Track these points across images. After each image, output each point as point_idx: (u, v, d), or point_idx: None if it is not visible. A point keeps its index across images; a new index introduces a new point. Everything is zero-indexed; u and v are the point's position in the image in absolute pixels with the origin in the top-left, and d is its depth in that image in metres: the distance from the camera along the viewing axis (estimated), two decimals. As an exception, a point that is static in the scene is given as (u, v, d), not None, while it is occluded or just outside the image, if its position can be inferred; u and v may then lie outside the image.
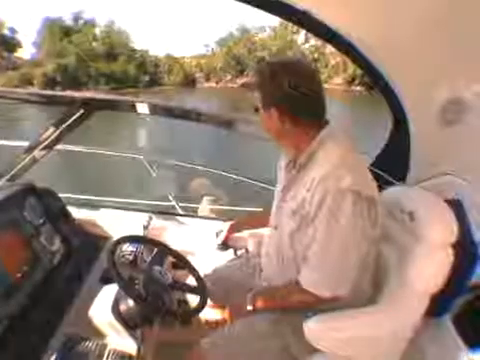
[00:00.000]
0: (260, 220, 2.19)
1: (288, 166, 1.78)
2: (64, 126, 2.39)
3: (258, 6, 1.76)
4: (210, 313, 2.13)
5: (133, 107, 2.41)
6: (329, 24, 1.78)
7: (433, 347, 1.94)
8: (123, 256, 2.11)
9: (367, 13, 1.69)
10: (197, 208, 3.97)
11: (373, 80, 2.09)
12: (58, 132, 2.40)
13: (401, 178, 2.29)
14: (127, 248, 2.14)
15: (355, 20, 1.76)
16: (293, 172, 1.69)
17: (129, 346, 1.71)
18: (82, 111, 2.37)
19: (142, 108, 2.44)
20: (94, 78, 54.77)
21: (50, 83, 50.86)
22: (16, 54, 58.23)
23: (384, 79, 2.02)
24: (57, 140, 2.44)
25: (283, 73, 1.54)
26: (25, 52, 62.38)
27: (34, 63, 54.80)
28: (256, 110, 1.66)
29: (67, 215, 2.37)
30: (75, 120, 2.38)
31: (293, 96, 1.53)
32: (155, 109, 2.51)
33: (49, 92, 3.05)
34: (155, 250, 1.95)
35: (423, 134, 2.13)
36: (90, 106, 2.40)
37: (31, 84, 50.64)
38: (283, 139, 1.68)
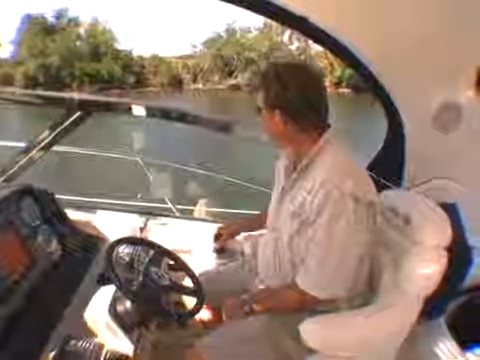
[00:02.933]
0: (253, 223, 2.22)
1: (288, 168, 1.78)
2: (61, 128, 2.39)
3: (258, 11, 1.78)
4: (206, 315, 2.13)
5: (130, 109, 2.42)
6: (327, 30, 1.80)
7: (427, 348, 1.96)
8: (120, 258, 2.10)
9: (364, 20, 1.71)
10: (193, 210, 3.97)
11: (368, 85, 2.11)
12: (55, 133, 2.41)
13: (396, 182, 2.31)
14: (124, 250, 2.14)
15: (353, 27, 1.78)
16: (293, 175, 1.69)
17: (126, 347, 1.71)
18: (79, 113, 2.37)
19: (139, 110, 2.45)
20: (78, 78, 52.39)
21: (32, 83, 48.28)
22: (-6, 53, 54.36)
23: (380, 84, 2.04)
24: (54, 141, 2.45)
25: (289, 75, 1.56)
26: (3, 51, 59.50)
27: (14, 62, 52.18)
28: (258, 111, 1.65)
29: (64, 216, 2.37)
30: (72, 122, 2.39)
31: (298, 99, 1.54)
32: (152, 111, 2.51)
33: (47, 93, 3.04)
34: (152, 252, 1.95)
35: (418, 138, 2.15)
36: (87, 108, 2.40)
37: (11, 84, 47.43)
38: (284, 141, 1.69)
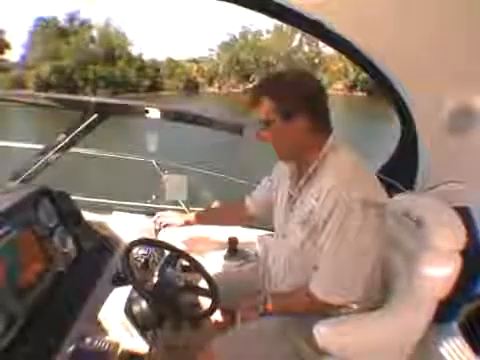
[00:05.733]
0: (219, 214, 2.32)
1: (293, 176, 1.76)
2: (78, 130, 2.43)
3: (274, 16, 1.79)
4: (219, 316, 2.15)
5: (146, 112, 2.45)
6: (341, 34, 1.81)
7: (440, 353, 1.95)
8: (135, 259, 2.13)
9: (378, 23, 1.71)
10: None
11: (382, 88, 2.11)
12: (72, 136, 2.44)
13: (409, 185, 2.31)
14: (138, 251, 2.17)
15: (366, 30, 1.78)
16: (300, 181, 1.66)
17: (140, 347, 1.73)
18: (96, 116, 2.40)
19: (154, 113, 2.48)
20: (92, 82, 51.24)
21: (44, 86, 47.02)
22: (3, 56, 54.08)
23: (393, 87, 2.04)
24: (71, 144, 2.48)
25: (307, 78, 1.58)
26: (13, 54, 57.98)
27: (26, 65, 50.85)
28: (266, 123, 1.57)
29: (79, 218, 2.41)
30: (89, 124, 2.42)
31: (318, 102, 1.56)
32: (167, 114, 2.54)
33: (63, 96, 3.07)
34: (167, 253, 1.98)
35: (431, 142, 2.15)
36: (104, 111, 2.43)
37: (23, 87, 46.84)
38: (297, 151, 1.63)
